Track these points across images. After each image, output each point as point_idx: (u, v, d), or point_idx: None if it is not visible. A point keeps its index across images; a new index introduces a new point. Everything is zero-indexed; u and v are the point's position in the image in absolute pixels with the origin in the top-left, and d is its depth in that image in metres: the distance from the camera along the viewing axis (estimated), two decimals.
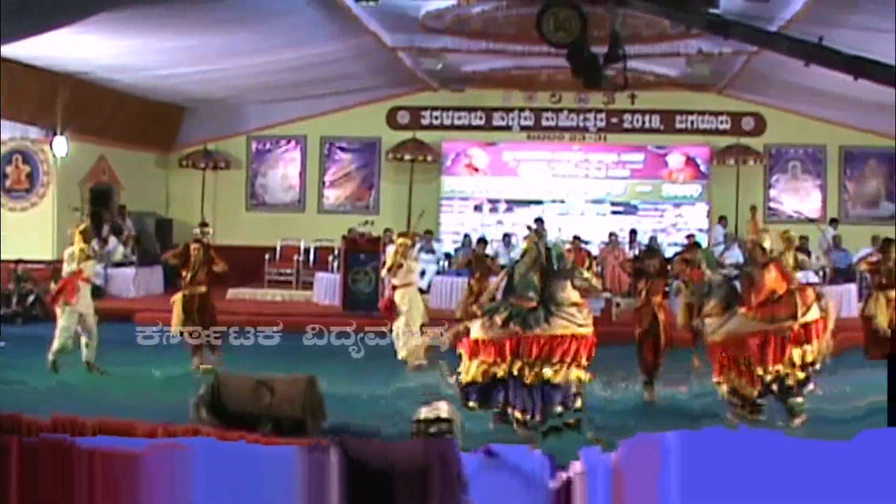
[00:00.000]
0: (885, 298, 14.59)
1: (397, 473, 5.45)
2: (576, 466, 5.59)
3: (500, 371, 11.05)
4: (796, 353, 11.93)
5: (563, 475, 5.52)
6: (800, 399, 12.05)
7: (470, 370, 11.21)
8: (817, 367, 12.21)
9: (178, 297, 15.58)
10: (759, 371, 11.93)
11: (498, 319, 11.17)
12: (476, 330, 11.33)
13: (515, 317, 11.07)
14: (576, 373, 11.00)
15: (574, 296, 11.26)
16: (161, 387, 13.91)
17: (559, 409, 10.97)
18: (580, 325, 11.12)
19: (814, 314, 12.15)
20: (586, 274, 11.60)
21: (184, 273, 15.61)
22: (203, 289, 15.55)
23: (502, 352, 11.05)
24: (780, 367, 11.93)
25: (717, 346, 12.46)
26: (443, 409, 9.98)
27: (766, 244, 12.71)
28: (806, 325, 12.06)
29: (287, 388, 10.90)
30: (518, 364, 10.97)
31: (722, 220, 26.54)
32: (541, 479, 5.52)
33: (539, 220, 24.43)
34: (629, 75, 24.01)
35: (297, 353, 14.82)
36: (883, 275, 14.62)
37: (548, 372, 10.88)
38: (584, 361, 11.09)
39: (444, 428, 9.69)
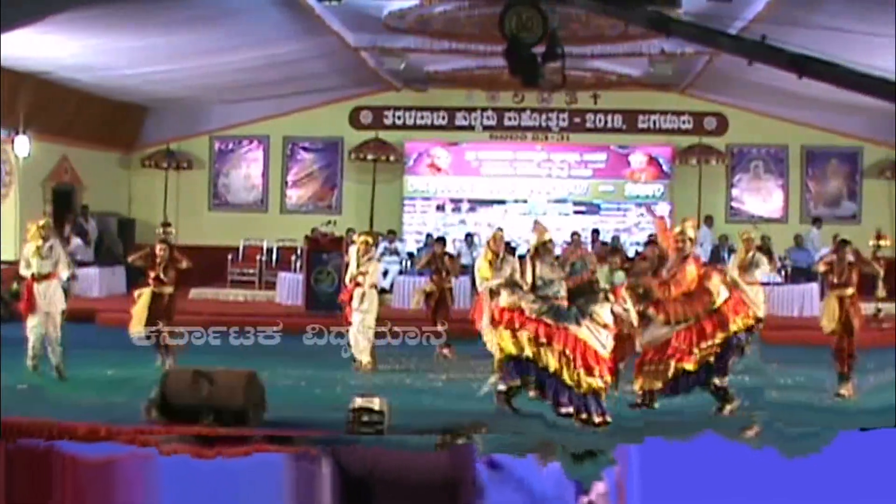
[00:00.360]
0: (835, 299, 14.64)
1: (415, 484, 5.42)
2: (598, 487, 5.59)
3: (528, 350, 11.61)
4: (717, 337, 12.21)
5: (585, 499, 5.52)
6: (727, 377, 12.36)
7: (505, 340, 11.68)
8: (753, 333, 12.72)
9: (145, 292, 15.54)
10: (679, 364, 12.21)
11: (530, 310, 11.76)
12: (504, 298, 12.08)
13: (547, 311, 11.64)
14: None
15: (608, 318, 11.78)
16: (132, 388, 13.74)
17: (598, 419, 11.42)
18: (602, 345, 11.58)
19: (724, 295, 12.44)
20: (628, 304, 11.96)
21: (151, 273, 15.59)
22: (170, 289, 15.59)
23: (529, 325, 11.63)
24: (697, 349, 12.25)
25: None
26: (375, 402, 10.75)
27: (691, 233, 12.90)
28: (720, 309, 12.36)
29: (228, 380, 11.26)
30: (546, 352, 11.52)
31: (708, 219, 26.67)
32: (555, 499, 5.50)
33: (575, 235, 23.66)
34: (593, 75, 24.48)
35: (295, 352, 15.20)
36: (836, 274, 14.70)
37: (593, 382, 11.44)
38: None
39: (376, 418, 10.55)
